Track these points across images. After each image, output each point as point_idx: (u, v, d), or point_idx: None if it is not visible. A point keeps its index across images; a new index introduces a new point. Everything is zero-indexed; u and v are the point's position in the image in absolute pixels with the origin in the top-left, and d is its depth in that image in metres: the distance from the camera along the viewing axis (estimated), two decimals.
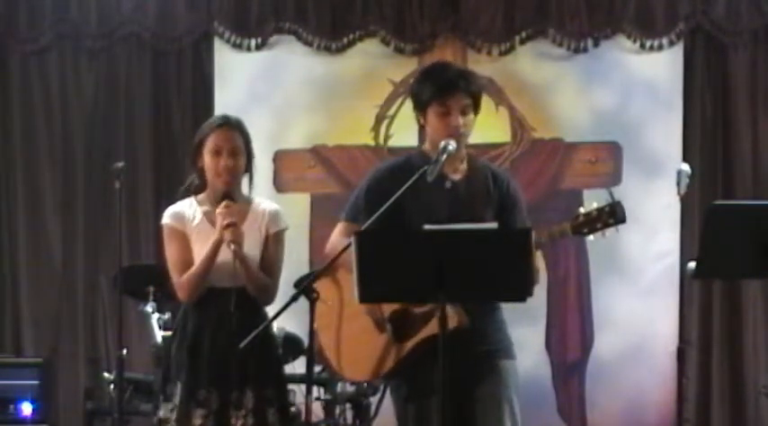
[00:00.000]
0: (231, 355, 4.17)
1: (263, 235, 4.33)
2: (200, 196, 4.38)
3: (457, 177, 4.02)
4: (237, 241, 4.17)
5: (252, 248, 4.28)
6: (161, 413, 4.32)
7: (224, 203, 4.23)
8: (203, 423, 4.23)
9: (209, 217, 4.29)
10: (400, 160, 4.10)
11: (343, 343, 4.02)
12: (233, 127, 4.36)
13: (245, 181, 4.38)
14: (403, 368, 3.91)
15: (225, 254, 4.20)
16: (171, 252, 4.33)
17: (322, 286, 3.95)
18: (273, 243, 4.34)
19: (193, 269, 4.25)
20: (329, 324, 4.05)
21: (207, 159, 4.31)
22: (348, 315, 3.97)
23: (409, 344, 3.88)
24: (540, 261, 3.97)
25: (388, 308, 3.92)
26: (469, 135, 4.01)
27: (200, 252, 4.26)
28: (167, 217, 4.36)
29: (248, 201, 4.38)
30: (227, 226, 4.17)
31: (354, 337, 3.98)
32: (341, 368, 4.19)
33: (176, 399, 4.27)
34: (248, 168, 4.36)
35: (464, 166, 4.04)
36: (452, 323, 3.74)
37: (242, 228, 4.23)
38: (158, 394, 4.43)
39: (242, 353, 4.09)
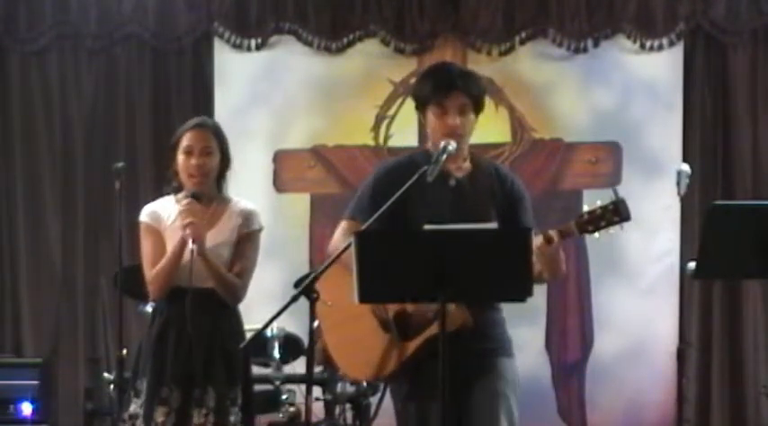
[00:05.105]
0: (195, 353, 4.21)
1: (234, 235, 4.34)
2: (179, 195, 4.41)
3: (461, 175, 4.00)
4: (198, 239, 4.19)
5: (223, 247, 4.30)
6: (131, 409, 4.34)
7: (184, 201, 4.26)
8: (165, 421, 4.25)
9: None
10: (404, 159, 4.07)
11: (349, 344, 4.00)
12: (207, 127, 4.40)
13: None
14: (407, 368, 3.91)
15: (189, 254, 4.22)
16: (145, 249, 4.39)
17: (326, 287, 3.94)
18: (245, 243, 4.36)
19: (159, 265, 4.29)
20: (334, 325, 4.03)
21: (180, 159, 4.36)
22: (353, 315, 3.95)
23: (413, 344, 3.88)
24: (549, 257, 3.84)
25: (392, 308, 3.91)
26: (470, 135, 3.99)
27: None
28: (144, 215, 4.43)
29: (226, 201, 4.40)
30: (188, 224, 4.19)
31: (360, 338, 3.95)
32: (346, 369, 4.19)
33: (143, 396, 4.30)
34: (223, 170, 4.37)
35: (467, 164, 4.03)
36: (456, 322, 3.74)
37: (208, 227, 4.25)
38: (129, 390, 4.44)
39: (207, 352, 4.18)
